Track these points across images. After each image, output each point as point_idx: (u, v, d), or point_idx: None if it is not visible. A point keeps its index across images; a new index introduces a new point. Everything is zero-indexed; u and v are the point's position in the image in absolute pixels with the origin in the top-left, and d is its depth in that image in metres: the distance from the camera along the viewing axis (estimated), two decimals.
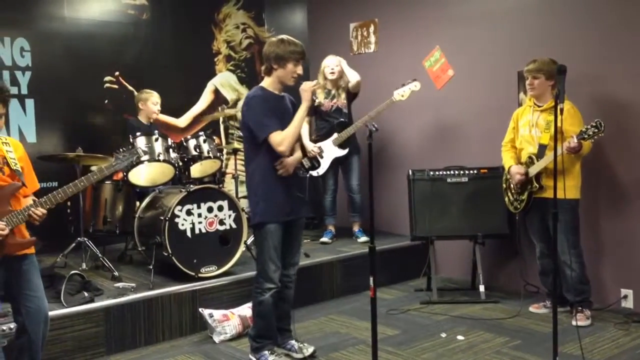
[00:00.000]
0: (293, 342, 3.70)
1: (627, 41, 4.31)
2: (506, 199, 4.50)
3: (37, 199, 2.84)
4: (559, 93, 3.23)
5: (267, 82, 3.51)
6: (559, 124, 3.94)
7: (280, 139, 3.36)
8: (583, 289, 4.16)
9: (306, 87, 3.47)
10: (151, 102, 5.24)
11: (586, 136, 3.81)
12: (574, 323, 4.00)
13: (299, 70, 3.46)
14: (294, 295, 3.71)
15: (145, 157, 4.49)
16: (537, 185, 4.16)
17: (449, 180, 4.84)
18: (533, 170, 4.17)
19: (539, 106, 4.24)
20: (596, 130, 3.76)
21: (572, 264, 4.10)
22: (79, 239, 4.64)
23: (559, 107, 3.21)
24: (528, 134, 4.28)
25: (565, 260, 4.11)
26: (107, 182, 4.76)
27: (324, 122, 5.49)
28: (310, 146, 5.39)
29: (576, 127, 3.95)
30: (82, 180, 2.96)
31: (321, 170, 5.46)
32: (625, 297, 4.36)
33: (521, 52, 4.79)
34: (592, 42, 4.47)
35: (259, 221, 3.45)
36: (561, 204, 3.96)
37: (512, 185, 4.41)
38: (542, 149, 4.12)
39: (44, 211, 2.82)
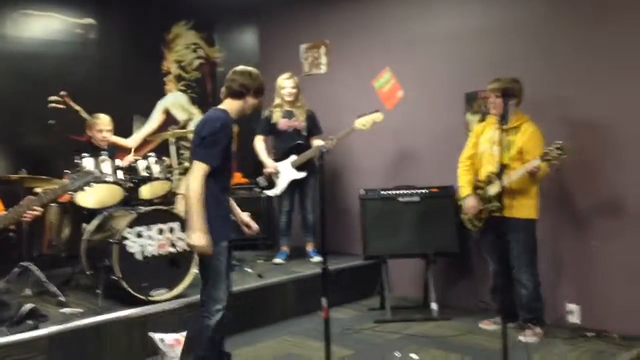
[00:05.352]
0: None
1: (585, 65, 4.33)
2: (463, 215, 4.49)
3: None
4: (504, 114, 3.34)
5: (232, 106, 3.44)
6: (520, 144, 4.06)
7: (198, 182, 3.21)
8: (536, 306, 4.21)
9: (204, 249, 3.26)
10: (96, 130, 5.05)
11: (549, 158, 3.84)
12: (521, 339, 4.10)
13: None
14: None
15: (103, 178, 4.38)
16: (498, 204, 4.08)
17: (400, 199, 4.89)
18: (492, 190, 4.17)
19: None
20: (560, 152, 3.80)
21: (526, 282, 4.15)
22: (22, 263, 4.47)
23: (502, 128, 3.28)
24: (489, 152, 4.29)
25: (520, 279, 4.17)
26: (52, 204, 4.62)
27: (282, 143, 5.45)
28: (269, 163, 5.38)
29: (539, 149, 3.97)
30: (43, 195, 2.87)
31: (278, 191, 5.43)
32: (571, 312, 4.43)
33: (469, 74, 4.92)
34: (543, 65, 4.52)
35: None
36: (517, 223, 4.07)
37: None
38: (502, 168, 4.05)
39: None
